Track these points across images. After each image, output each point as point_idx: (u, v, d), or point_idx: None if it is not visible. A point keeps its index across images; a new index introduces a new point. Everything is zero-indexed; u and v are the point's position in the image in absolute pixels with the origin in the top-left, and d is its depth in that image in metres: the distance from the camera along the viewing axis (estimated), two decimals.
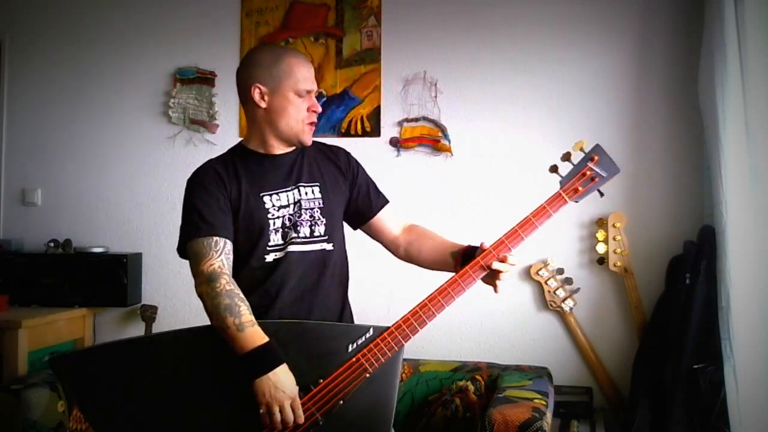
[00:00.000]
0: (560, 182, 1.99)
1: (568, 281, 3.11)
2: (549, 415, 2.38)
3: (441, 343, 3.21)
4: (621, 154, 3.11)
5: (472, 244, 2.07)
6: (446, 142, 3.25)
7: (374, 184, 2.24)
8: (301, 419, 1.87)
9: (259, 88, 2.03)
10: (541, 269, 3.11)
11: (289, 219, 2.04)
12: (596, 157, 1.98)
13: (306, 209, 2.06)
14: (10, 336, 3.00)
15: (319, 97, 3.34)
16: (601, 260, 3.09)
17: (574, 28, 3.17)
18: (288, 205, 2.05)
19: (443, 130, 3.26)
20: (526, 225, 1.96)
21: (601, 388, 3.07)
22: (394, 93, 3.31)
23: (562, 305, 3.10)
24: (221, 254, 1.93)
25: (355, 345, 1.94)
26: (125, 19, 3.54)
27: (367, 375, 1.93)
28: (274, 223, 2.02)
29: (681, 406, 2.71)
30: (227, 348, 1.86)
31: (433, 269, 2.16)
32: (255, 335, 1.85)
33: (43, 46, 3.61)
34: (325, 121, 3.33)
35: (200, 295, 1.91)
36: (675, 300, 2.85)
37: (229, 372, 1.87)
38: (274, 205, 2.04)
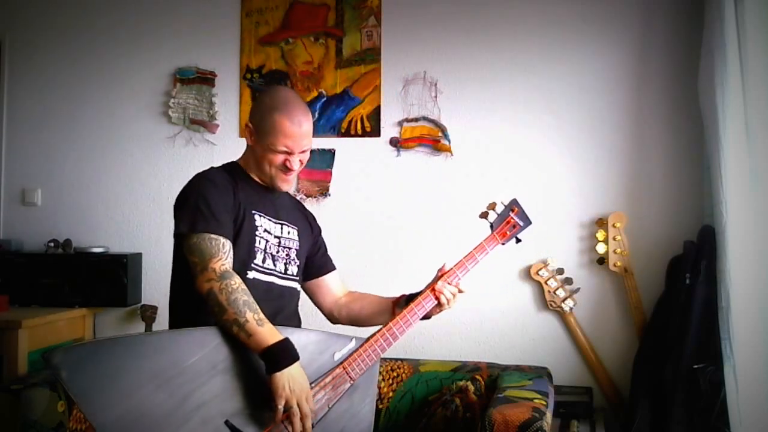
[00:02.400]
0: (491, 226, 2.31)
1: (568, 281, 3.10)
2: (549, 415, 2.38)
3: (441, 343, 3.21)
4: (621, 154, 3.13)
5: (412, 293, 2.23)
6: (446, 142, 3.25)
7: (327, 249, 2.41)
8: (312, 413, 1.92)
9: (250, 128, 2.13)
10: (541, 269, 3.11)
11: (270, 248, 2.12)
12: (516, 209, 2.33)
13: (284, 247, 2.17)
14: (10, 336, 2.99)
15: (318, 97, 3.35)
16: (601, 260, 3.08)
17: (575, 28, 3.17)
18: (271, 234, 2.14)
19: (443, 130, 3.26)
20: (470, 259, 2.23)
21: (601, 388, 3.07)
22: (394, 93, 3.30)
23: (562, 305, 3.09)
24: (228, 257, 1.97)
25: (340, 354, 2.04)
26: (125, 19, 3.54)
27: (351, 383, 2.02)
28: (259, 242, 2.09)
29: (681, 406, 2.71)
30: (224, 348, 1.88)
31: (371, 323, 2.29)
32: (273, 331, 1.89)
33: (43, 46, 3.61)
34: (325, 121, 3.33)
35: (210, 290, 1.90)
36: (675, 300, 2.85)
37: (227, 371, 1.88)
38: (262, 225, 2.11)
